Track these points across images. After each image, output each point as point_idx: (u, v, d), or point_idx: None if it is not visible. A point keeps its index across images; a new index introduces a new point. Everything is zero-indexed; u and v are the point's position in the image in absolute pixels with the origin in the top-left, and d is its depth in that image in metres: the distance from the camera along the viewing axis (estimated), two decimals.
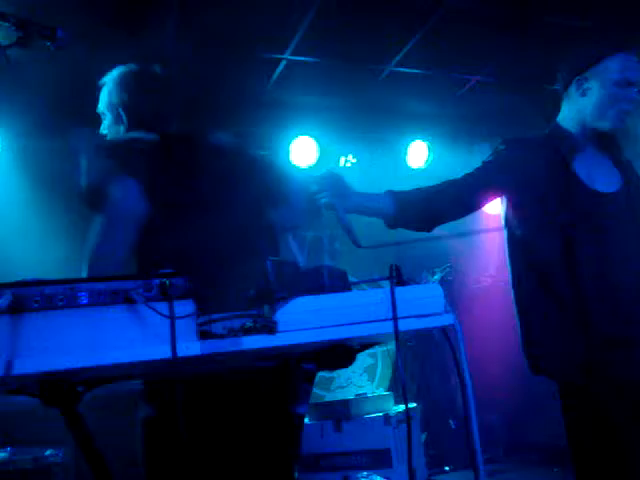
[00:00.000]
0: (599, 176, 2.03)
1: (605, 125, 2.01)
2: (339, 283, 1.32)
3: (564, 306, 1.92)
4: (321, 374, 5.51)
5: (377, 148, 5.31)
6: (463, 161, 5.38)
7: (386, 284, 1.34)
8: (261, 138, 4.72)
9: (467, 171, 2.14)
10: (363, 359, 5.53)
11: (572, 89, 2.06)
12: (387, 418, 4.30)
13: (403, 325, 1.31)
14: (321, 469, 4.40)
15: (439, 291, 1.37)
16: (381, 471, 4.04)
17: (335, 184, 1.91)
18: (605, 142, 2.08)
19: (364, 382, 5.49)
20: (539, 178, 2.00)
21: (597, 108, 1.99)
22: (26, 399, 1.38)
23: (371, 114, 5.01)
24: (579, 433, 1.91)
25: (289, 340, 1.22)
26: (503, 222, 2.17)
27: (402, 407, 4.72)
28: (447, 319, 1.36)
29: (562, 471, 4.16)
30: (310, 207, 1.89)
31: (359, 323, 1.28)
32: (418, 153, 5.32)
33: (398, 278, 1.35)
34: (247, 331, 1.21)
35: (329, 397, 5.29)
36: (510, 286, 2.13)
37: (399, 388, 5.26)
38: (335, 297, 1.29)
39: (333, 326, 1.26)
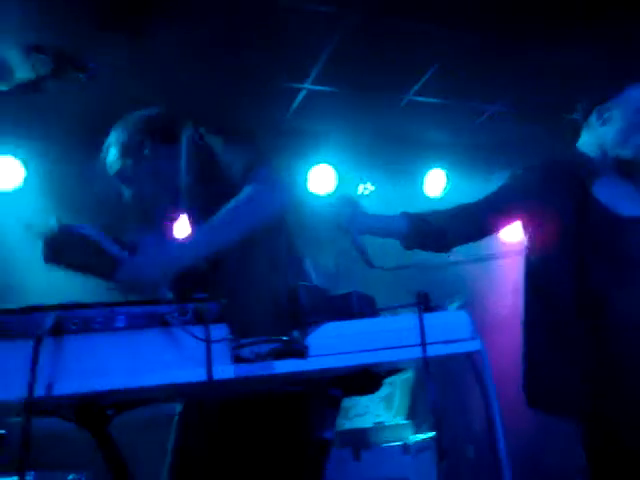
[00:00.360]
0: (621, 200, 1.99)
1: (627, 153, 1.99)
2: (368, 309, 1.34)
3: (570, 339, 1.88)
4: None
5: (395, 176, 5.35)
6: (480, 190, 5.39)
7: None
8: (280, 165, 4.79)
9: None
10: (382, 387, 5.49)
11: (592, 118, 2.06)
12: (406, 447, 4.27)
13: (431, 351, 1.33)
14: None
15: (466, 318, 1.39)
16: None
17: (348, 206, 1.92)
18: (628, 170, 2.04)
19: (381, 411, 5.45)
20: (557, 202, 1.97)
21: (619, 136, 1.98)
22: (49, 422, 1.41)
23: (389, 142, 5.06)
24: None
25: (319, 365, 1.24)
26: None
27: (421, 436, 4.68)
28: (474, 345, 1.38)
29: None
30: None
31: (388, 348, 1.30)
32: (436, 182, 5.35)
33: (426, 304, 1.37)
34: (279, 355, 1.24)
35: (348, 425, 5.25)
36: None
37: (418, 417, 5.22)
38: (364, 322, 1.31)
39: (362, 351, 1.28)
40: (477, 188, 5.42)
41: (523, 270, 2.13)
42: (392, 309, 1.39)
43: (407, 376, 5.46)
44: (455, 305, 4.62)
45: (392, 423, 4.63)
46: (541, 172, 2.07)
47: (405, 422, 4.67)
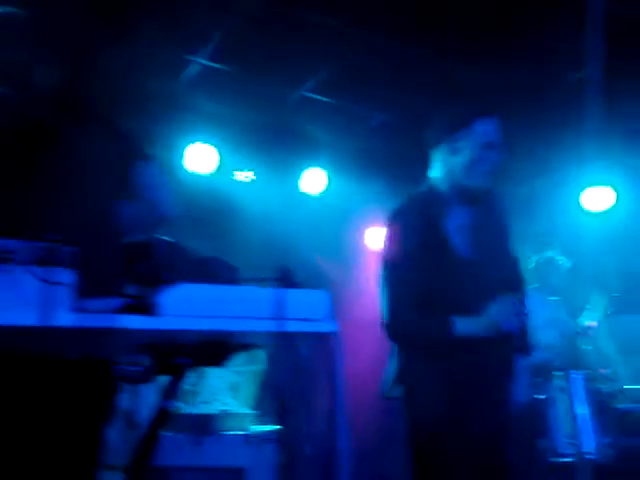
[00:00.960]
0: (467, 238, 2.16)
1: (473, 183, 2.15)
2: (228, 276, 1.30)
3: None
4: (185, 387, 5.35)
5: (277, 169, 5.33)
6: (357, 194, 5.53)
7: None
8: (161, 136, 4.60)
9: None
10: (229, 376, 5.44)
11: (444, 148, 2.19)
12: (247, 437, 4.24)
13: (287, 326, 1.31)
14: None
15: (326, 298, 1.38)
16: None
17: None
18: (474, 198, 2.20)
19: (229, 399, 5.40)
20: (415, 243, 2.09)
21: (466, 167, 2.13)
22: None
23: (275, 134, 5.04)
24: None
25: (168, 324, 1.18)
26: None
27: (263, 427, 4.68)
28: (330, 326, 1.38)
29: None
30: None
31: (242, 318, 1.27)
32: (315, 180, 5.39)
33: (287, 280, 1.35)
34: (126, 310, 1.16)
35: (193, 411, 5.14)
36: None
37: (263, 408, 5.22)
38: (222, 288, 1.27)
39: (216, 317, 1.23)
40: (355, 191, 5.58)
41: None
42: (253, 281, 1.36)
43: (257, 367, 5.46)
44: None
45: (237, 412, 4.59)
46: (405, 217, 2.17)
47: (250, 412, 4.65)
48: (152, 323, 1.16)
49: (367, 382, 5.11)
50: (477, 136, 2.13)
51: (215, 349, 1.39)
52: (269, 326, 1.28)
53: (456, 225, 2.16)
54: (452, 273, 2.08)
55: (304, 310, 1.34)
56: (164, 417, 1.58)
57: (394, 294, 2.04)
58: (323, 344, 1.43)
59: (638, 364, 3.23)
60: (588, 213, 5.32)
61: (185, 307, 1.20)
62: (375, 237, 5.86)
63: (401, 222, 2.15)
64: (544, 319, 4.39)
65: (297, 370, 5.36)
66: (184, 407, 5.17)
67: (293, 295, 1.33)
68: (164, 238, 1.24)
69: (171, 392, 1.55)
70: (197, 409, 5.15)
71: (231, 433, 4.30)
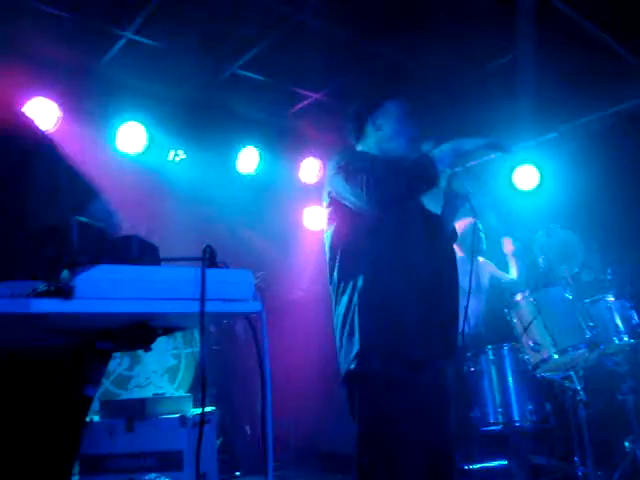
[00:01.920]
0: None
1: (399, 152, 2.39)
2: (148, 256, 1.27)
3: None
4: (120, 371, 5.25)
5: (209, 148, 5.24)
6: (290, 174, 5.52)
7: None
8: (87, 113, 4.45)
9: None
10: (166, 360, 5.38)
11: (369, 127, 2.47)
12: (183, 419, 4.20)
13: (210, 307, 1.29)
14: (106, 471, 4.16)
15: (250, 278, 1.37)
16: (171, 474, 3.92)
17: None
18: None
19: (164, 383, 5.33)
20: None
21: (390, 139, 2.42)
22: None
23: (207, 112, 4.95)
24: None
25: (87, 308, 1.14)
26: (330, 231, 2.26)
27: (200, 410, 4.65)
28: (254, 306, 1.36)
29: (344, 477, 4.37)
30: None
31: (164, 299, 1.24)
32: (249, 159, 5.34)
33: (211, 260, 1.33)
34: (40, 294, 1.11)
35: (126, 396, 5.05)
36: (332, 292, 2.23)
37: (199, 391, 5.18)
38: (142, 269, 1.23)
39: (136, 299, 1.20)
40: (287, 170, 5.56)
41: (333, 253, 2.25)
42: (175, 260, 1.33)
43: (193, 350, 5.41)
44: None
45: (171, 395, 4.54)
46: (360, 161, 2.32)
47: (186, 395, 4.61)
48: (68, 306, 1.12)
49: (309, 359, 5.17)
50: (391, 113, 2.44)
51: (137, 332, 1.35)
52: (192, 307, 1.26)
53: None
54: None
55: (227, 290, 1.32)
56: (88, 403, 1.54)
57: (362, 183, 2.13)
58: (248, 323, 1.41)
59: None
60: (519, 192, 5.50)
61: (103, 289, 1.16)
62: (313, 217, 5.87)
63: (357, 156, 2.39)
64: (473, 287, 4.52)
65: (235, 351, 5.35)
66: (119, 392, 5.09)
67: (216, 275, 1.31)
68: (81, 219, 1.19)
69: (94, 377, 1.50)
70: (131, 394, 5.08)
71: (167, 417, 4.24)
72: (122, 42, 4.11)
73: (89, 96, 4.45)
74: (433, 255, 2.27)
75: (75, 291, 1.12)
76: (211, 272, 1.30)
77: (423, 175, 2.14)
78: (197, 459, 1.47)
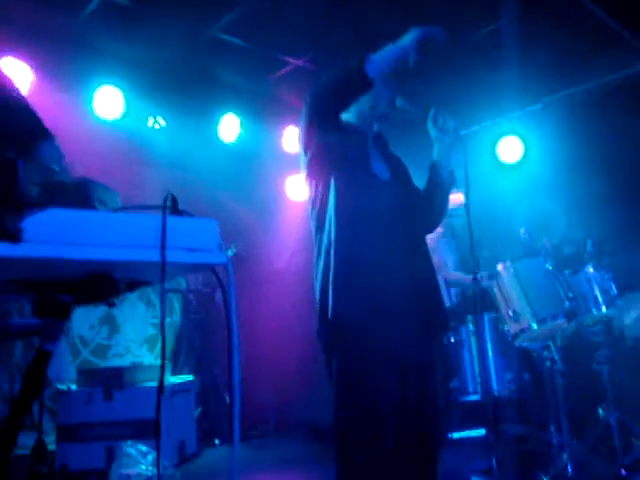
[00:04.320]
0: (376, 164, 2.33)
1: (380, 109, 2.37)
2: (107, 202, 1.20)
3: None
4: (98, 341, 5.20)
5: (189, 115, 5.14)
6: (273, 142, 5.43)
7: None
8: (62, 76, 4.32)
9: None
10: (145, 329, 5.33)
11: None
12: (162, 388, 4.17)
13: (171, 256, 1.23)
14: (83, 439, 4.13)
15: (215, 227, 1.31)
16: (148, 442, 3.90)
17: None
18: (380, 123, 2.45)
19: (144, 352, 5.29)
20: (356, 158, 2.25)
21: (371, 109, 2.36)
22: None
23: (187, 77, 4.84)
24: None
25: (36, 252, 1.07)
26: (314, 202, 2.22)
27: (178, 378, 4.63)
28: (220, 257, 1.31)
29: (323, 447, 4.37)
30: None
31: (122, 246, 1.18)
32: (230, 127, 5.25)
33: (173, 208, 1.27)
34: None
35: (104, 365, 5.01)
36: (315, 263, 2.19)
37: (178, 360, 5.16)
38: (98, 214, 1.17)
39: (91, 244, 1.14)
40: (269, 138, 5.46)
41: (318, 223, 2.21)
42: (137, 208, 1.27)
43: (173, 319, 5.37)
44: (230, 252, 4.59)
45: (149, 364, 4.50)
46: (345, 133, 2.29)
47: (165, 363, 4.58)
48: (15, 250, 1.06)
49: (290, 328, 5.15)
50: None
51: (97, 284, 1.29)
52: (152, 256, 1.20)
53: (373, 152, 2.36)
54: (373, 189, 2.21)
55: (191, 240, 1.27)
56: (45, 360, 1.48)
57: None
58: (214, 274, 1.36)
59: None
60: (502, 164, 5.46)
61: (53, 234, 1.09)
62: (295, 186, 5.80)
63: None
64: (453, 261, 4.50)
65: (215, 320, 5.31)
66: (97, 362, 5.04)
67: (178, 223, 1.25)
68: (30, 157, 1.12)
69: (52, 334, 1.44)
70: (110, 363, 5.03)
71: (145, 385, 4.21)
72: (97, 1, 3.98)
73: (63, 58, 4.32)
74: (410, 231, 2.26)
75: (23, 234, 1.06)
76: (172, 220, 1.24)
77: (350, 75, 2.14)
78: (157, 427, 1.41)
